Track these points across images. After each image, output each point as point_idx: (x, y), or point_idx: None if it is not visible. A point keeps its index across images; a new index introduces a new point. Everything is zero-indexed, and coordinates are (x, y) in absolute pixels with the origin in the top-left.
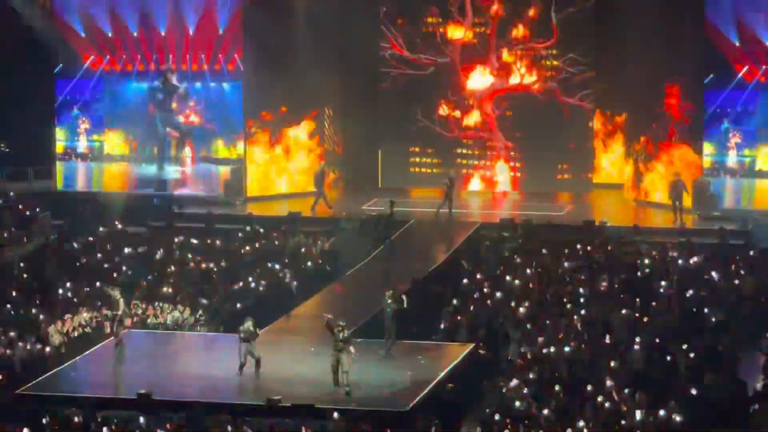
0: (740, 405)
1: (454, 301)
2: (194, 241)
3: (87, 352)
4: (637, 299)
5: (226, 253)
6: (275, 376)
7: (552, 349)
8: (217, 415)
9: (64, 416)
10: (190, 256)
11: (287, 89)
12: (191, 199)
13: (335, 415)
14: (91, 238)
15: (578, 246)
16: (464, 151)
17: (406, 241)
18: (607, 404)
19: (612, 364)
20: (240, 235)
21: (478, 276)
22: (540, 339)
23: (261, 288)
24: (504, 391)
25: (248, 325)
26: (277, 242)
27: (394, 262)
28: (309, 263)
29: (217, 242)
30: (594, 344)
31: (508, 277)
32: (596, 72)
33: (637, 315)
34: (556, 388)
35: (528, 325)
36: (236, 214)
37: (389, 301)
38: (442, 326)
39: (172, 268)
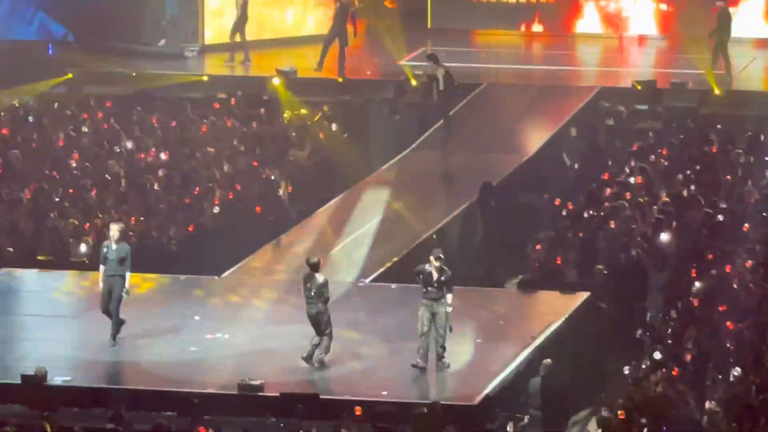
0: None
1: (554, 221)
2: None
3: None
4: None
5: (175, 140)
6: (250, 346)
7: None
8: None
9: None
10: (118, 149)
11: None
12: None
13: (357, 410)
14: None
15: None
16: None
17: (473, 118)
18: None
19: None
20: (197, 112)
21: (596, 178)
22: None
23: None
24: (637, 371)
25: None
26: (257, 122)
27: (453, 154)
28: (309, 159)
29: (156, 122)
30: None
31: (638, 179)
32: None
33: None
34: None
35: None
36: (189, 72)
37: None
38: (531, 263)
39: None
